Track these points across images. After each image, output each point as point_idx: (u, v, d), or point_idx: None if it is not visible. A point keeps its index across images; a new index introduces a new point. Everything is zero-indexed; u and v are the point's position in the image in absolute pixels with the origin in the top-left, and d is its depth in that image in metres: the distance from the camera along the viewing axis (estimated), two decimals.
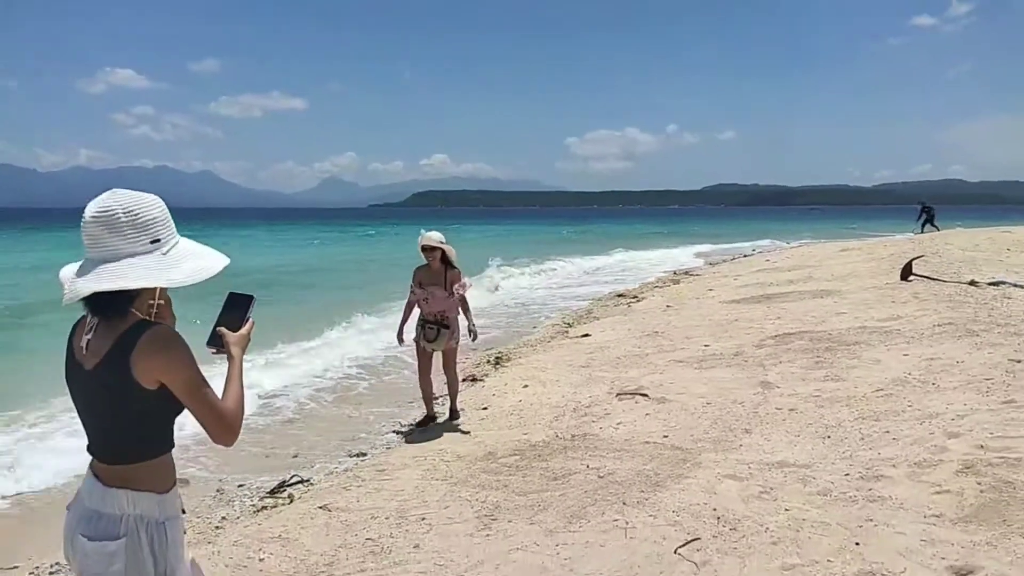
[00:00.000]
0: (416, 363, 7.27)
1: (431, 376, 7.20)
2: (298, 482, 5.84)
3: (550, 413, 6.98)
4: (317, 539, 4.59)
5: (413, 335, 7.03)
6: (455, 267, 6.90)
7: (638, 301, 15.74)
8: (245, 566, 4.28)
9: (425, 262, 6.86)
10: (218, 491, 5.91)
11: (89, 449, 2.00)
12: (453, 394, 7.28)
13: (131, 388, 1.86)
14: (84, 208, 1.91)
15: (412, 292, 6.94)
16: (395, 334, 7.21)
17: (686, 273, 22.85)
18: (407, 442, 6.67)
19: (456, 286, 6.82)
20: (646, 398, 7.01)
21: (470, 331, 7.00)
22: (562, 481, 4.99)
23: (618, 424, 6.28)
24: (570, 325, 13.33)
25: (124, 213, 1.87)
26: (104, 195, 1.91)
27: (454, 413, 7.19)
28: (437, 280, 6.83)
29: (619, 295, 17.61)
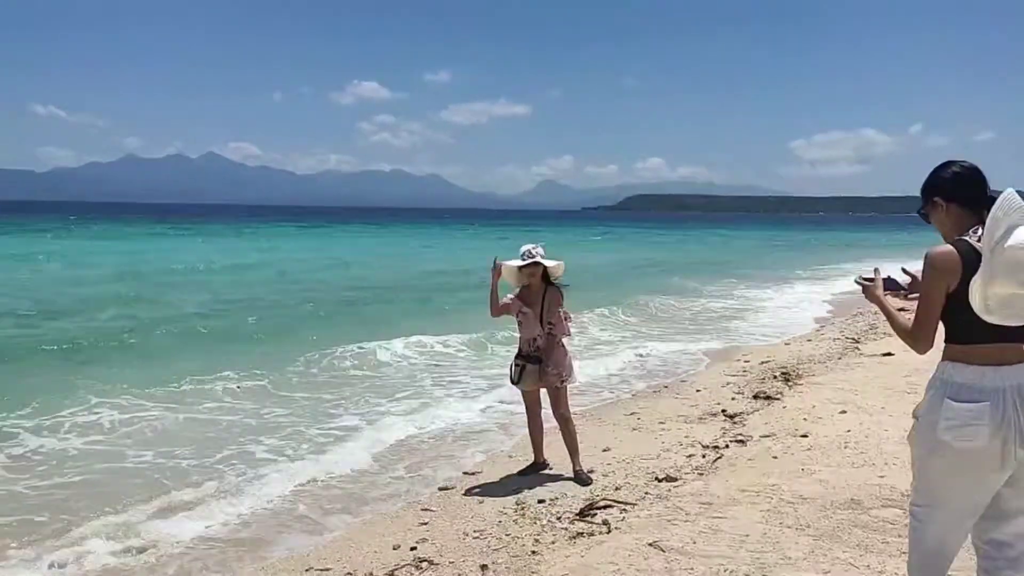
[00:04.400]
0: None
1: (540, 418, 5.95)
2: (607, 506, 5.05)
3: (901, 450, 5.62)
4: None
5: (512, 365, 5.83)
6: (558, 287, 5.70)
7: None
8: None
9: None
10: (517, 504, 5.28)
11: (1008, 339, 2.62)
12: (571, 450, 5.77)
13: None
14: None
15: (511, 299, 5.75)
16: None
17: None
18: (723, 469, 5.65)
19: (554, 312, 5.60)
20: None
21: (564, 372, 5.70)
22: None
23: None
24: (857, 341, 11.57)
25: None
26: None
27: (580, 476, 5.67)
28: (534, 302, 5.66)
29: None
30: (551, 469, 5.97)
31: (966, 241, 2.65)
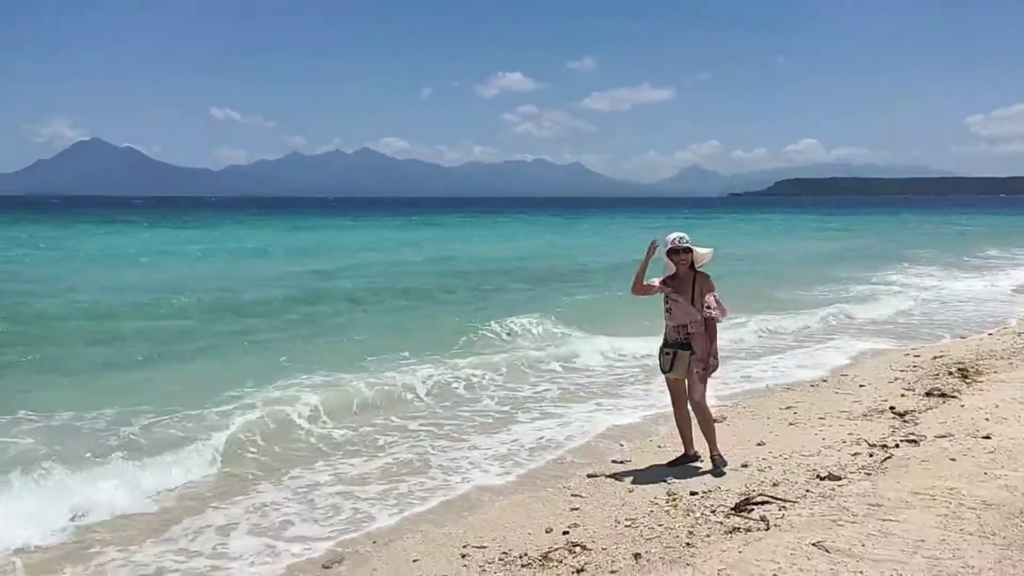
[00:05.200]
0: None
1: (688, 408, 5.77)
2: (765, 502, 4.87)
3: None
4: None
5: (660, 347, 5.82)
6: (706, 274, 5.65)
7: None
8: None
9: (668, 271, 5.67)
10: (669, 494, 5.22)
11: None
12: (708, 437, 5.69)
13: None
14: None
15: (656, 283, 5.70)
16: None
17: None
18: (893, 469, 5.29)
19: (708, 297, 5.54)
20: None
21: (711, 360, 5.59)
22: None
23: None
24: None
25: None
26: None
27: (716, 462, 5.63)
28: (683, 289, 5.61)
29: None
30: (701, 461, 5.84)
31: None
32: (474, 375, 9.03)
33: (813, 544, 4.08)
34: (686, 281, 5.62)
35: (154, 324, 12.61)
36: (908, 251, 28.73)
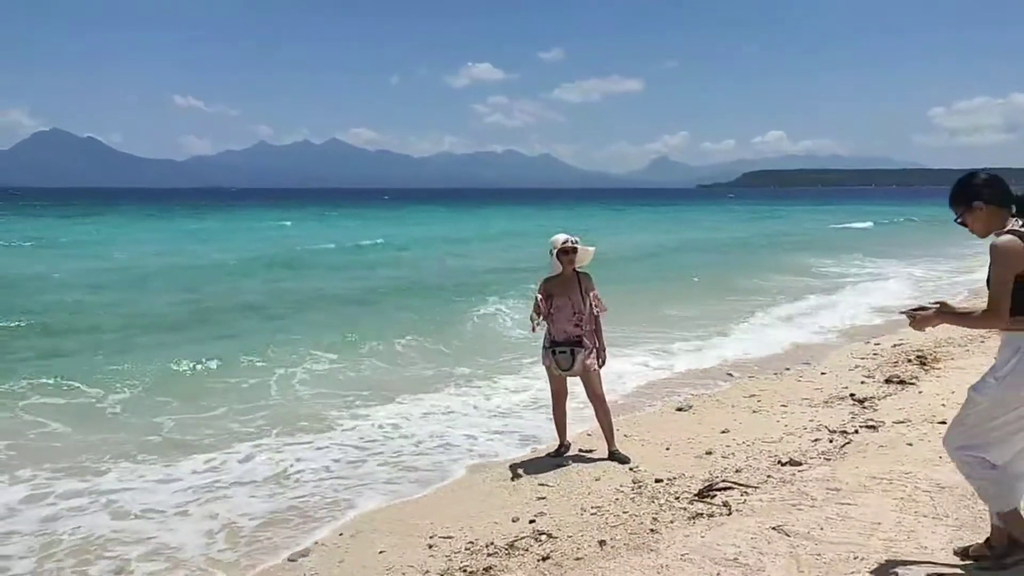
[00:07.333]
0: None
1: (567, 404, 6.09)
2: (727, 488, 4.95)
3: None
4: (789, 574, 3.64)
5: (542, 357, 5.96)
6: (587, 273, 5.88)
7: None
8: None
9: (555, 272, 5.76)
10: (634, 482, 5.28)
11: None
12: (607, 431, 5.93)
13: None
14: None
15: (538, 305, 5.76)
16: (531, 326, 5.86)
17: None
18: (852, 454, 5.41)
19: (594, 294, 5.79)
20: None
21: (603, 354, 5.90)
22: None
23: None
24: None
25: None
26: None
27: (614, 455, 5.81)
28: (569, 290, 5.77)
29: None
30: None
31: (1021, 231, 3.10)
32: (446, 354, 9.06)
33: (773, 528, 4.17)
34: (571, 280, 5.79)
35: None
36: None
